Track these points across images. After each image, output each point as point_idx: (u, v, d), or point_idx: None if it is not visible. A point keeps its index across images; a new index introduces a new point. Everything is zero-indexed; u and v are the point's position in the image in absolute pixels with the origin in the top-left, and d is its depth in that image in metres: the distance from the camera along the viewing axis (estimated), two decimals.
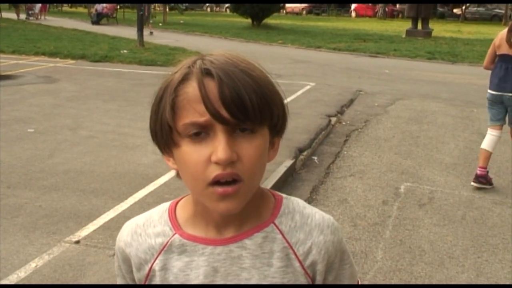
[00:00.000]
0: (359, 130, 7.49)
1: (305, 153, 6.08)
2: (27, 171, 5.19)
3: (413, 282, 3.48)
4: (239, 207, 0.88)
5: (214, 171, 0.84)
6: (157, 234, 1.00)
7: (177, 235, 0.98)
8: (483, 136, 7.23)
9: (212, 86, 0.84)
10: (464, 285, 3.46)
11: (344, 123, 7.90)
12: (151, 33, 22.61)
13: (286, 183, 5.23)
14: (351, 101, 9.53)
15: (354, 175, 5.55)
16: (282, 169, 5.26)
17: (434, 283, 3.47)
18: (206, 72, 0.85)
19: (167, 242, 0.99)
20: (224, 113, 0.83)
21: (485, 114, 5.77)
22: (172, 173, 5.10)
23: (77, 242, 3.77)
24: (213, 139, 0.84)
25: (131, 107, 8.24)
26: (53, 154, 5.77)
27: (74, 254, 3.60)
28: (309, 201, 4.77)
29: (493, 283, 3.49)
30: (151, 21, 24.74)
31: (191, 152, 0.86)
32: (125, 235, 1.04)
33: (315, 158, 6.13)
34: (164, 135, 0.89)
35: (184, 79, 0.87)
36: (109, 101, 8.71)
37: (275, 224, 0.97)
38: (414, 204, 4.80)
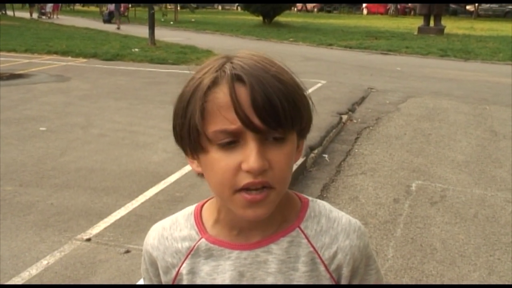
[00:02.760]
0: (370, 128, 7.46)
1: (316, 151, 6.06)
2: (39, 169, 5.22)
3: (424, 280, 3.46)
4: (268, 214, 0.87)
5: (245, 179, 0.83)
6: (183, 238, 1.00)
7: (203, 239, 0.98)
8: (495, 133, 7.20)
9: (243, 92, 0.81)
10: (473, 285, 3.44)
11: (355, 121, 7.87)
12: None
13: (297, 181, 5.22)
14: (363, 99, 9.49)
15: (365, 173, 5.53)
16: (292, 167, 5.24)
17: (445, 282, 3.45)
18: (237, 78, 0.82)
19: (193, 246, 0.99)
20: (256, 121, 0.81)
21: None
22: (183, 171, 5.15)
23: (88, 239, 3.78)
24: (243, 146, 0.83)
25: (142, 105, 8.27)
26: (65, 152, 5.81)
27: (85, 252, 3.61)
28: (320, 199, 4.75)
29: (506, 282, 3.46)
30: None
31: (220, 160, 0.84)
32: (152, 238, 1.04)
33: (326, 156, 6.11)
34: (192, 140, 0.86)
35: (214, 83, 0.84)
36: (121, 100, 8.75)
37: (300, 228, 0.97)
38: (425, 202, 4.77)
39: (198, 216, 1.01)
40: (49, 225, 4.01)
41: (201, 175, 0.93)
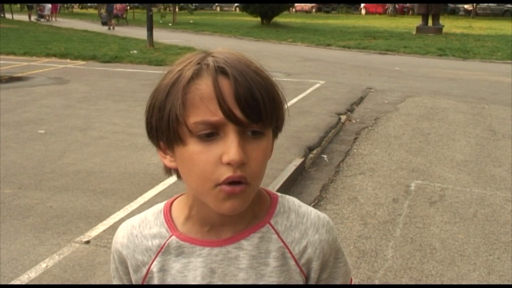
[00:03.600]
0: (369, 128, 7.46)
1: (314, 151, 6.06)
2: (38, 172, 5.22)
3: (423, 280, 3.46)
4: (243, 207, 0.88)
5: (225, 173, 0.83)
6: (153, 235, 1.00)
7: (174, 237, 0.98)
8: (494, 132, 7.20)
9: (226, 85, 0.82)
10: (474, 285, 3.43)
11: (354, 121, 7.87)
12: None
13: (296, 181, 5.22)
14: (361, 99, 9.49)
15: (364, 173, 5.52)
16: (291, 168, 5.25)
17: (445, 281, 3.45)
18: (221, 71, 0.83)
19: (164, 244, 0.98)
20: (238, 113, 0.82)
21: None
22: None
23: (87, 242, 3.78)
24: (223, 139, 0.83)
25: (141, 107, 8.15)
26: (64, 155, 5.81)
27: (84, 254, 3.61)
28: (319, 199, 4.76)
29: (505, 281, 3.46)
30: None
31: (200, 152, 0.84)
32: (121, 237, 1.03)
33: (325, 156, 6.11)
34: (171, 132, 0.86)
35: (197, 75, 0.84)
36: (119, 102, 8.75)
37: (270, 224, 0.98)
38: (424, 201, 4.77)
39: (168, 214, 1.01)
40: (48, 227, 4.01)
41: (171, 170, 0.94)
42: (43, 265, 3.47)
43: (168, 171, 0.95)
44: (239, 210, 0.88)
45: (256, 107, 0.83)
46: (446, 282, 3.45)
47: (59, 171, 5.25)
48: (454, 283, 3.43)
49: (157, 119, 0.88)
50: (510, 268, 3.62)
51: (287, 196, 1.04)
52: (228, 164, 0.82)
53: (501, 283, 3.45)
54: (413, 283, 3.43)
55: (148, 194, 4.68)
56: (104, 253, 3.63)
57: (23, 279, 3.30)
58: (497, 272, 3.57)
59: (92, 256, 3.59)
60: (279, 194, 1.03)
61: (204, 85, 0.83)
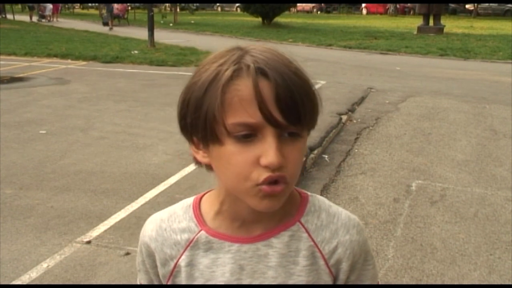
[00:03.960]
0: (370, 127, 7.46)
1: (315, 151, 6.06)
2: (39, 172, 5.23)
3: (424, 280, 3.46)
4: (279, 206, 0.89)
5: (264, 174, 0.83)
6: (182, 229, 1.00)
7: (203, 232, 0.98)
8: (495, 132, 7.20)
9: (267, 87, 0.82)
10: (474, 285, 3.43)
11: (355, 121, 7.87)
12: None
13: (297, 181, 5.21)
14: (362, 99, 9.49)
15: (365, 173, 5.53)
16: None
17: (446, 281, 3.45)
18: (261, 72, 0.83)
19: (193, 238, 0.98)
20: (277, 116, 0.81)
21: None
22: (182, 173, 5.15)
23: (88, 242, 3.79)
24: (261, 140, 0.83)
25: (142, 108, 8.27)
26: (65, 155, 5.81)
27: (85, 254, 3.62)
28: None
29: (506, 281, 3.46)
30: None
31: (237, 153, 0.84)
32: (150, 230, 1.04)
33: (326, 156, 6.11)
34: (208, 131, 0.85)
35: (236, 75, 0.83)
36: (120, 102, 8.75)
37: (301, 222, 0.98)
38: (425, 201, 4.77)
39: (197, 209, 1.01)
40: (49, 228, 4.02)
41: (206, 166, 0.93)
42: (44, 265, 3.47)
43: (198, 163, 0.94)
44: (275, 209, 0.89)
45: (295, 110, 0.83)
46: (447, 281, 3.45)
47: (60, 171, 5.26)
48: (455, 283, 3.43)
49: (192, 116, 0.87)
50: (511, 267, 3.62)
51: (318, 196, 1.04)
52: (266, 166, 0.83)
53: (502, 282, 3.45)
54: (414, 282, 3.43)
55: (149, 194, 4.68)
56: (105, 253, 3.64)
57: (24, 279, 3.31)
58: (498, 271, 3.57)
59: (93, 256, 3.60)
60: (309, 193, 1.03)
61: (244, 87, 0.82)
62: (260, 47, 0.88)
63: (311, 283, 0.96)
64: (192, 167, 5.42)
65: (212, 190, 1.02)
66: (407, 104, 9.18)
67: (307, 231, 0.97)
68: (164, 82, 10.81)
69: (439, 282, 3.44)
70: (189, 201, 1.04)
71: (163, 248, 1.00)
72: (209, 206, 1.00)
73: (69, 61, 14.25)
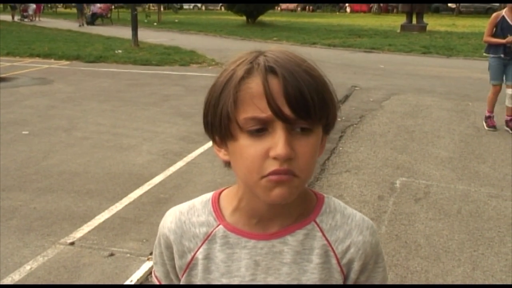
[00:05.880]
0: (354, 125, 7.49)
1: None
2: (22, 173, 5.17)
3: (409, 277, 3.48)
4: (290, 197, 0.90)
5: (271, 166, 0.86)
6: (201, 223, 1.03)
7: (221, 226, 1.01)
8: (478, 129, 7.26)
9: (275, 83, 0.86)
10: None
11: (339, 119, 7.83)
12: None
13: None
14: (346, 97, 9.53)
15: (350, 171, 5.54)
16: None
17: (430, 277, 3.47)
18: (270, 70, 0.87)
19: (211, 232, 1.01)
20: (286, 110, 0.85)
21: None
22: (167, 173, 5.12)
23: (72, 243, 3.75)
24: (271, 134, 0.86)
25: (126, 107, 8.22)
26: (48, 155, 5.76)
27: (69, 256, 3.58)
28: None
29: (489, 277, 3.49)
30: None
31: (249, 146, 0.87)
32: (169, 222, 1.06)
33: None
34: (223, 127, 0.90)
35: (248, 74, 0.88)
36: (104, 102, 8.69)
37: (316, 222, 1.01)
38: (409, 199, 4.80)
39: (216, 204, 1.04)
40: (32, 229, 3.98)
41: (227, 163, 0.97)
42: (27, 267, 3.44)
43: (227, 164, 0.97)
44: (287, 199, 0.90)
45: (304, 104, 0.86)
46: (431, 278, 3.47)
47: (43, 172, 5.21)
48: (439, 279, 3.46)
49: (212, 115, 0.92)
50: (494, 263, 3.65)
51: (333, 198, 1.07)
52: (275, 158, 0.86)
53: (485, 278, 3.48)
54: (398, 280, 3.45)
55: (133, 195, 4.65)
56: (89, 254, 3.61)
57: (6, 282, 3.27)
58: (482, 267, 3.60)
59: (77, 257, 3.56)
60: (325, 194, 1.06)
61: (254, 84, 0.87)
62: (276, 49, 0.93)
63: (323, 280, 0.99)
64: (176, 166, 5.41)
65: (231, 186, 1.05)
66: (391, 102, 9.23)
67: (321, 230, 1.00)
68: (148, 82, 10.76)
69: (423, 279, 3.46)
70: (208, 196, 1.07)
71: (182, 240, 1.03)
72: (227, 202, 1.03)
73: (52, 60, 14.13)
